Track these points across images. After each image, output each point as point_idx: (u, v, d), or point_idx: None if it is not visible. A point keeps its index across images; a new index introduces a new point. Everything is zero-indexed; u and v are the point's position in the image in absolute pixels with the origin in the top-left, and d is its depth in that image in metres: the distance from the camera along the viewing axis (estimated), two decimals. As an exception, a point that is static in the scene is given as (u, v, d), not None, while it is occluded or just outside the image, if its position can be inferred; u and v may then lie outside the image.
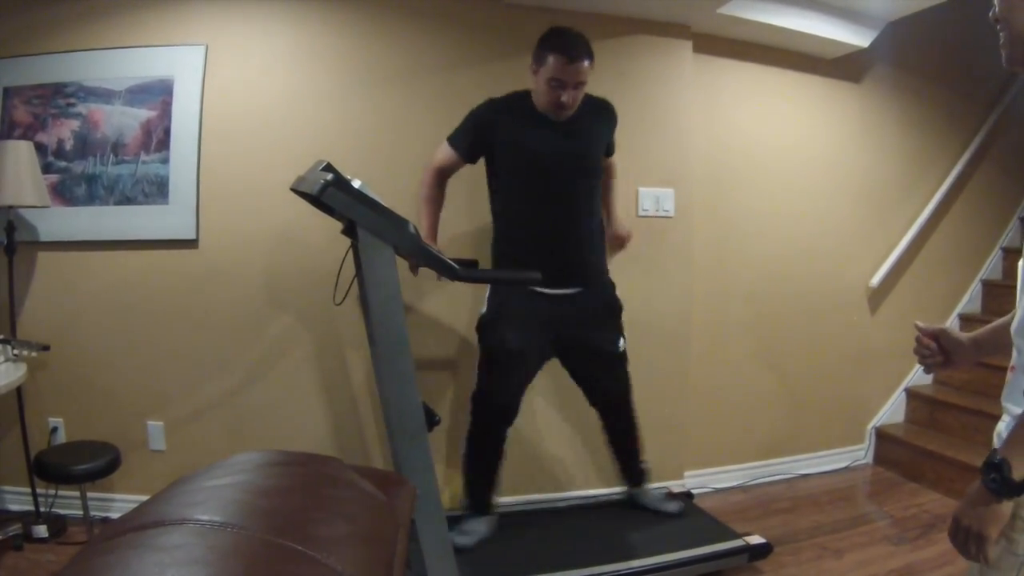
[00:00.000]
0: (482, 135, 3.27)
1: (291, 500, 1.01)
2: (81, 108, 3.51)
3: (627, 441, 3.71)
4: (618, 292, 3.52)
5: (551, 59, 3.08)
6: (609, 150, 3.61)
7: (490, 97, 3.32)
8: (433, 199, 3.33)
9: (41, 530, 3.42)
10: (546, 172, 3.25)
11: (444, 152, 3.30)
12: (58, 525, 3.50)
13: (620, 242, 3.95)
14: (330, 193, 2.34)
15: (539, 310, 3.28)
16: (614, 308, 3.54)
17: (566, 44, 3.08)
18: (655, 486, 3.93)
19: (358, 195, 2.39)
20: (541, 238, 3.26)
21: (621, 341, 3.53)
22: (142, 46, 3.54)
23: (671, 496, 3.82)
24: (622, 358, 3.57)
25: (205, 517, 0.89)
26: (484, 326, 3.36)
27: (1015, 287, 3.87)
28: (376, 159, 3.67)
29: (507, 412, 3.39)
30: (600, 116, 3.46)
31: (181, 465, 3.58)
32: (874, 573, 3.46)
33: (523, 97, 3.30)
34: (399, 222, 2.47)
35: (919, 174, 5.25)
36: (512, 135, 3.24)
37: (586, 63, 3.10)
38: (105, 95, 3.51)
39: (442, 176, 3.34)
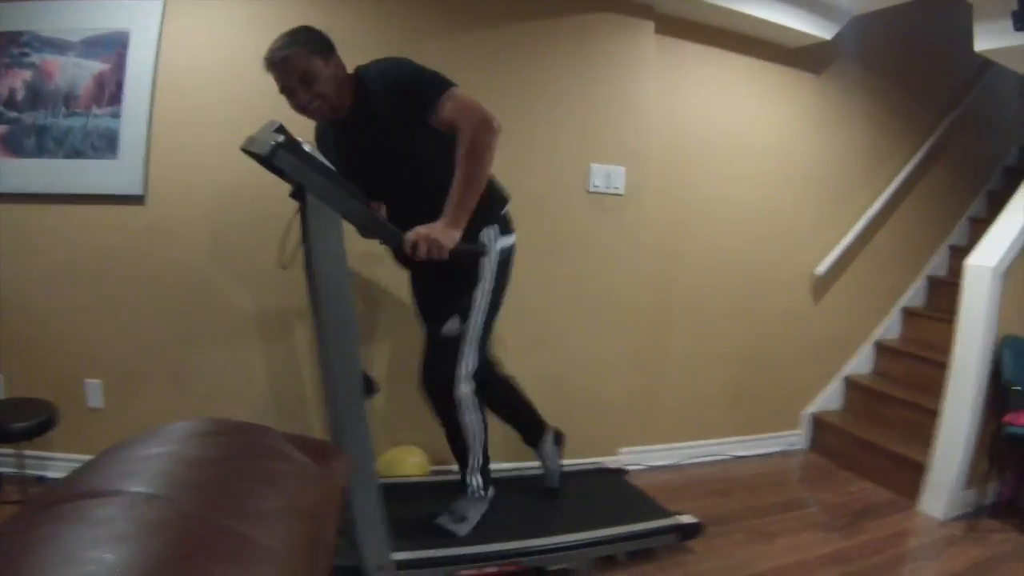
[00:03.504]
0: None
1: (222, 471, 1.02)
2: (35, 58, 3.43)
3: (454, 446, 3.32)
4: (567, 268, 3.49)
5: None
6: (424, 109, 2.75)
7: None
8: None
9: (-26, 488, 3.38)
10: (359, 171, 2.98)
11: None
12: (-7, 482, 3.47)
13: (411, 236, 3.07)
14: (280, 156, 2.30)
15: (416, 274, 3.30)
16: (455, 280, 3.10)
17: (266, 55, 2.74)
18: (588, 460, 4.05)
19: (309, 159, 2.37)
20: (398, 218, 2.92)
21: (452, 323, 3.07)
22: (99, -3, 3.48)
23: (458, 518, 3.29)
24: (445, 343, 3.10)
25: (137, 489, 0.89)
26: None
27: (960, 285, 4.01)
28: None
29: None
30: (381, 93, 2.82)
31: (119, 424, 3.60)
32: (804, 558, 3.53)
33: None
34: (348, 188, 2.46)
35: (872, 169, 5.34)
36: (327, 148, 3.05)
37: (288, 60, 2.69)
38: (60, 46, 3.43)
39: None
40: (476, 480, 3.31)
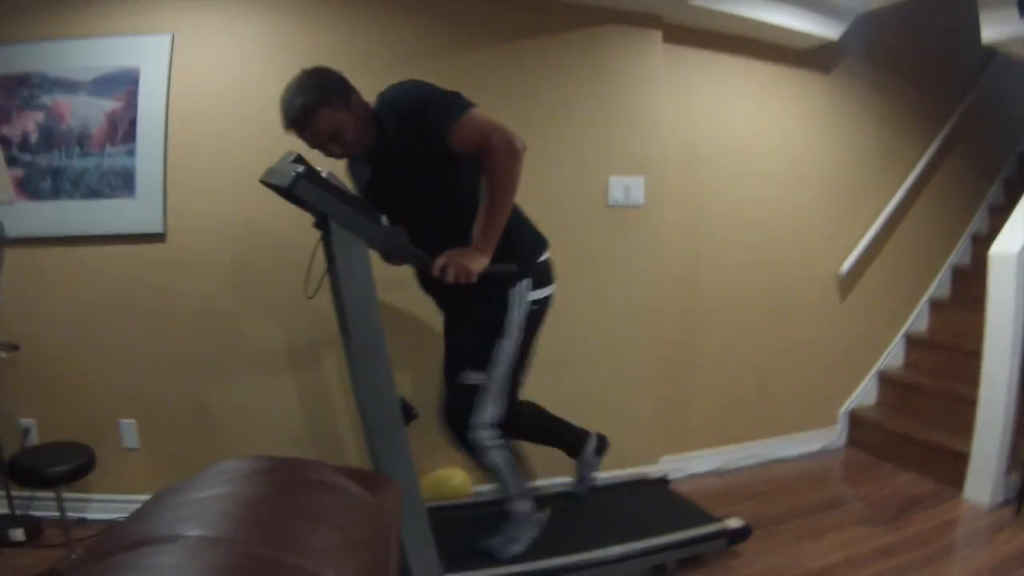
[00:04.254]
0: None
1: (281, 509, 0.99)
2: (46, 99, 3.44)
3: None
4: (590, 284, 3.46)
5: None
6: (444, 133, 2.67)
7: None
8: None
9: (18, 533, 3.36)
10: (385, 203, 2.88)
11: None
12: (34, 528, 3.44)
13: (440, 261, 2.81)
14: (301, 186, 2.28)
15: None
16: (478, 321, 3.01)
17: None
18: (630, 471, 4.02)
19: (329, 187, 2.34)
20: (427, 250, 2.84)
21: (471, 373, 2.96)
22: (108, 35, 3.46)
23: None
24: (464, 391, 2.99)
25: (196, 532, 0.87)
26: None
27: (984, 272, 3.97)
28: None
29: None
30: (401, 121, 2.76)
31: (156, 463, 3.60)
32: (854, 554, 3.48)
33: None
34: (371, 214, 2.44)
35: (888, 164, 5.30)
36: (360, 183, 3.10)
37: (308, 126, 2.63)
38: (70, 86, 3.44)
39: None
40: (518, 506, 3.19)
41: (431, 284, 2.76)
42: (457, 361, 2.98)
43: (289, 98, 2.62)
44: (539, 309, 3.01)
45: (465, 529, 3.28)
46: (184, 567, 0.80)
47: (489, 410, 2.97)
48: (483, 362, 2.93)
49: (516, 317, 2.92)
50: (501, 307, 2.90)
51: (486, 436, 2.98)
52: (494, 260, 2.67)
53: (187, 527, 0.89)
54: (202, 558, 0.82)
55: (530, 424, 3.38)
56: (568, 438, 3.54)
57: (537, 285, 2.96)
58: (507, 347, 2.93)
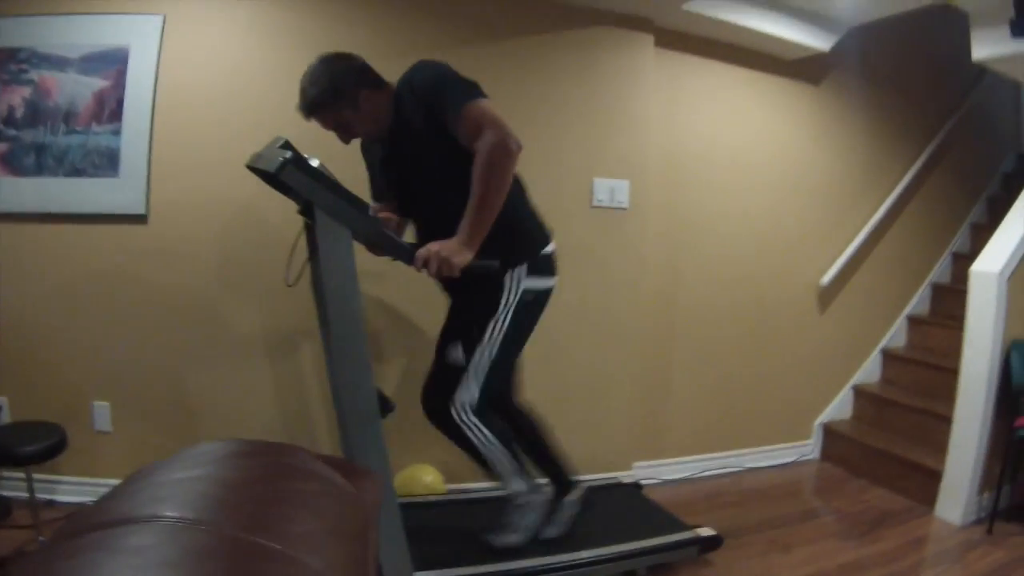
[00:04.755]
0: (370, 173, 3.21)
1: (260, 494, 0.97)
2: (33, 75, 3.40)
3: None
4: (570, 283, 3.43)
5: None
6: (447, 117, 2.68)
7: None
8: None
9: (-15, 513, 3.33)
10: (399, 189, 3.08)
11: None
12: (2, 508, 3.39)
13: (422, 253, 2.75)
14: (288, 172, 2.25)
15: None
16: (475, 312, 3.00)
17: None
18: (603, 475, 3.99)
19: (317, 175, 2.31)
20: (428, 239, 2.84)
21: (459, 351, 2.94)
22: (99, 13, 3.43)
23: None
24: (449, 369, 2.97)
25: (174, 514, 0.84)
26: None
27: (964, 290, 4.00)
28: (330, 141, 3.59)
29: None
30: (408, 97, 2.80)
31: (127, 447, 3.56)
32: (823, 568, 3.49)
33: None
34: (358, 204, 2.42)
35: (873, 178, 5.33)
36: (375, 165, 3.16)
37: (318, 113, 2.76)
38: (59, 62, 3.40)
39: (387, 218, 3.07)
40: (516, 485, 3.14)
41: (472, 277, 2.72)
42: (446, 337, 2.98)
43: (304, 86, 2.72)
44: (536, 300, 3.00)
45: (435, 525, 3.32)
46: (162, 548, 0.78)
47: (467, 392, 2.94)
48: (471, 343, 2.91)
49: (509, 300, 2.90)
50: (496, 288, 2.89)
51: (467, 417, 2.95)
52: (496, 248, 2.67)
53: (165, 508, 0.87)
54: (180, 540, 0.80)
55: (529, 433, 3.31)
56: (555, 471, 3.39)
57: (537, 274, 2.96)
58: (495, 330, 2.91)
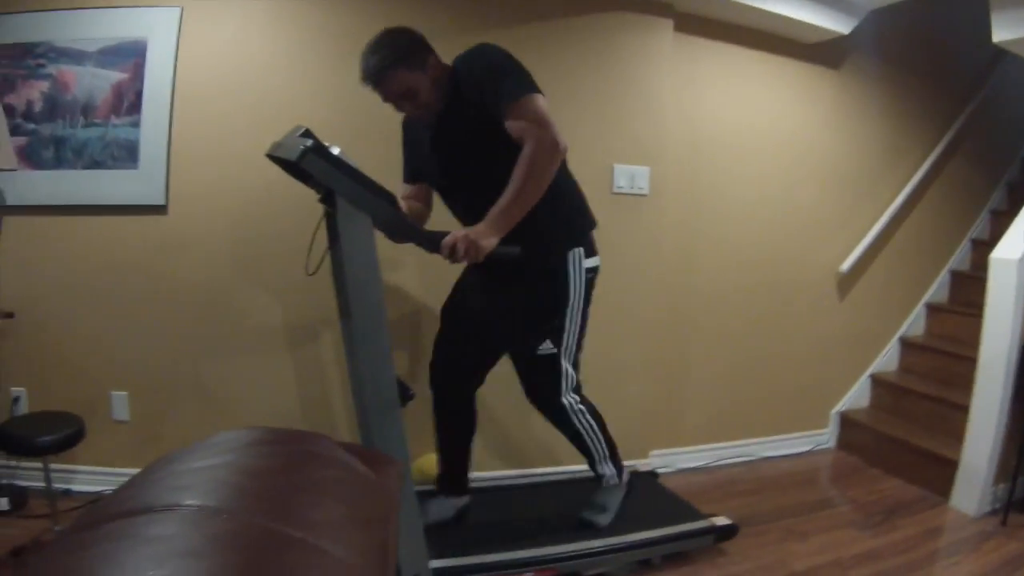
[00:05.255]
0: (405, 151, 3.19)
1: (282, 481, 0.97)
2: (51, 69, 3.42)
3: (575, 444, 3.33)
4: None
5: None
6: (500, 105, 2.67)
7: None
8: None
9: (2, 503, 3.36)
10: (443, 173, 3.04)
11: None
12: (19, 497, 3.44)
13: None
14: (309, 159, 2.26)
15: (470, 278, 3.20)
16: (535, 301, 3.03)
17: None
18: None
19: (338, 162, 2.32)
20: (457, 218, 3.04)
21: (546, 343, 3.03)
22: (116, 7, 3.43)
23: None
24: (541, 361, 3.08)
25: (196, 502, 0.85)
26: None
27: (983, 278, 3.97)
28: (351, 128, 3.60)
29: (432, 380, 3.28)
30: (464, 79, 2.79)
31: (145, 436, 3.58)
32: (839, 556, 3.49)
33: None
34: (380, 192, 2.42)
35: (892, 163, 5.29)
36: (415, 144, 3.12)
37: (384, 81, 2.71)
38: (76, 56, 3.42)
39: (410, 203, 3.10)
40: (607, 469, 3.37)
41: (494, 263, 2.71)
42: (524, 336, 3.05)
43: (365, 55, 2.70)
44: (592, 277, 3.09)
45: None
46: (183, 537, 0.78)
47: (569, 376, 3.13)
48: (557, 332, 3.02)
49: (577, 285, 2.99)
50: (562, 277, 2.96)
51: (575, 400, 3.18)
52: (558, 234, 2.91)
53: (186, 496, 0.87)
54: (203, 529, 0.80)
55: (591, 412, 3.34)
56: (608, 452, 3.41)
57: (588, 255, 3.03)
58: (574, 313, 3.02)
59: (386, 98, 2.77)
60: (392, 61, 2.66)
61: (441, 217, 3.10)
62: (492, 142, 2.71)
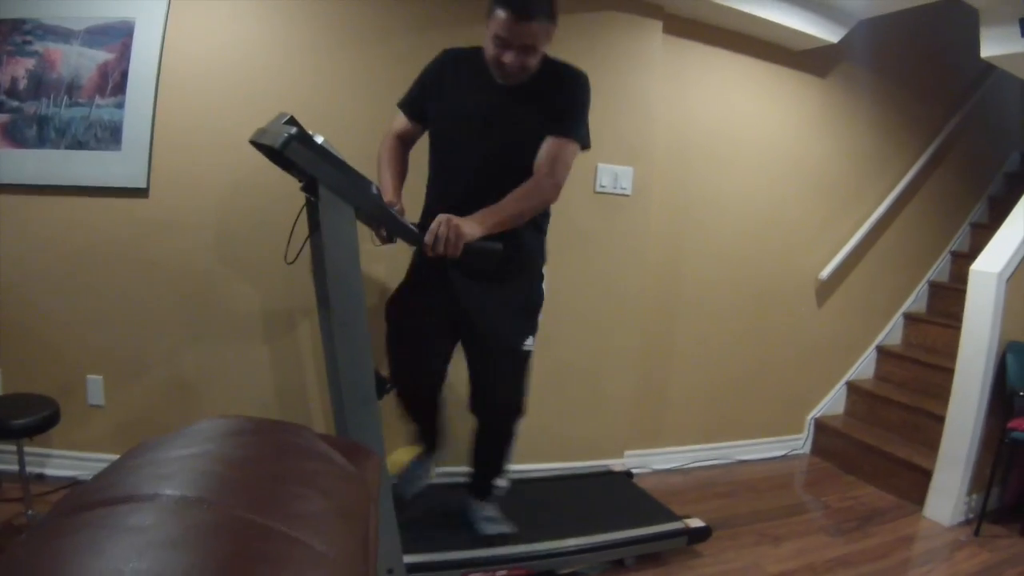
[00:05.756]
0: (426, 82, 2.99)
1: (263, 472, 0.96)
2: (38, 46, 3.37)
3: (483, 455, 3.33)
4: (570, 270, 3.46)
5: (498, 12, 2.61)
6: (554, 128, 2.82)
7: (446, 48, 3.02)
8: (386, 162, 2.92)
9: (-26, 486, 3.32)
10: (470, 136, 2.88)
11: (397, 115, 3.01)
12: (-9, 480, 3.40)
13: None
14: (293, 147, 2.22)
15: (442, 282, 2.99)
16: (529, 301, 3.11)
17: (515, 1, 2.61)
18: (595, 463, 4.03)
19: (321, 151, 2.30)
20: (444, 204, 2.77)
21: (529, 339, 3.06)
22: (105, -14, 3.41)
23: (501, 520, 3.33)
24: (524, 358, 3.09)
25: (177, 492, 0.84)
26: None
27: (962, 290, 4.00)
28: (336, 116, 3.58)
29: (404, 395, 3.22)
30: (561, 83, 2.89)
31: (120, 421, 3.55)
32: (811, 562, 3.52)
33: (479, 52, 2.84)
34: (362, 181, 2.40)
35: (875, 172, 5.33)
36: (450, 85, 2.93)
37: (535, 24, 2.61)
38: (64, 34, 3.38)
39: (398, 140, 3.00)
40: (501, 482, 3.34)
41: (472, 257, 2.66)
42: (519, 330, 3.05)
43: None
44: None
45: (425, 508, 3.34)
46: (164, 527, 0.77)
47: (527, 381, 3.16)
48: (532, 331, 3.07)
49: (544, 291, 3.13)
50: (540, 280, 3.11)
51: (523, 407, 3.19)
52: (539, 246, 3.05)
53: (165, 485, 0.85)
54: (183, 519, 0.79)
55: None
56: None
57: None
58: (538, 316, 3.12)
59: (516, 38, 2.63)
60: (550, 13, 2.66)
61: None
62: (532, 150, 2.79)
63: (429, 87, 2.98)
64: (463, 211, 2.58)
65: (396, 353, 3.14)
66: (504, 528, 3.23)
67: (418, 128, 3.03)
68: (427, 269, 2.97)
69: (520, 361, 3.07)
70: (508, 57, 2.67)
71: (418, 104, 3.00)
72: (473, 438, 3.28)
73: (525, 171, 2.76)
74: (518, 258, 2.87)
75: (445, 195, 2.90)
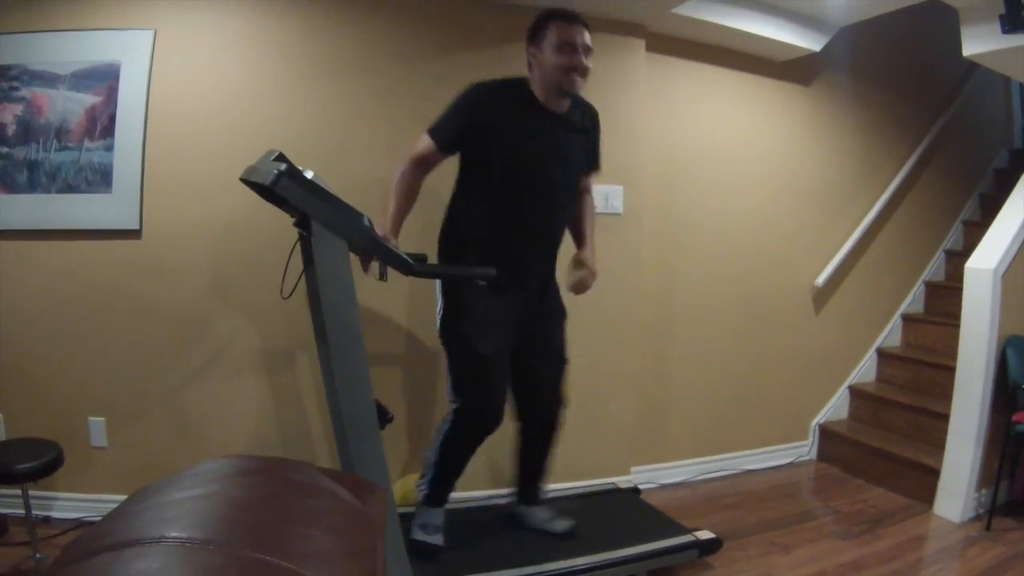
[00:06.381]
0: (474, 122, 2.96)
1: (270, 512, 0.96)
2: (25, 92, 3.39)
3: (544, 458, 3.49)
4: (564, 292, 3.48)
5: (553, 25, 2.93)
6: (594, 161, 3.36)
7: (476, 82, 3.03)
8: (399, 195, 2.90)
9: (-19, 530, 3.31)
10: (542, 169, 3.01)
11: (424, 143, 2.94)
12: (-1, 525, 3.40)
13: (584, 272, 3.28)
14: (284, 184, 2.24)
15: (508, 308, 3.09)
16: (564, 312, 3.37)
17: (564, 10, 2.98)
18: (601, 481, 4.04)
19: (312, 186, 2.31)
20: (520, 237, 3.05)
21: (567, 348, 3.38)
22: (89, 29, 3.42)
23: (561, 515, 3.48)
24: (566, 366, 3.39)
25: (183, 534, 0.83)
26: (453, 329, 3.12)
27: (958, 288, 4.01)
28: (324, 151, 3.59)
29: (495, 423, 3.14)
30: (592, 119, 3.30)
31: (124, 462, 3.55)
32: (823, 568, 3.49)
33: (520, 84, 3.04)
34: (353, 215, 2.41)
35: (865, 177, 5.34)
36: (511, 124, 2.97)
37: (586, 30, 2.98)
38: (50, 79, 3.39)
39: (417, 168, 2.97)
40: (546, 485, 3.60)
41: (534, 272, 3.16)
42: (560, 342, 3.37)
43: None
44: None
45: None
46: (170, 571, 0.77)
47: None
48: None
49: None
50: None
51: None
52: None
53: (172, 528, 0.86)
54: (189, 562, 0.79)
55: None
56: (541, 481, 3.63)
57: None
58: None
59: (581, 39, 2.98)
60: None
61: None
62: (580, 177, 3.31)
63: (480, 128, 2.98)
64: (550, 240, 3.19)
65: (494, 382, 3.15)
66: (570, 522, 3.41)
67: (444, 159, 3.06)
68: (492, 296, 3.04)
69: (566, 367, 3.39)
70: (580, 59, 2.94)
71: (462, 142, 3.02)
72: (522, 449, 3.46)
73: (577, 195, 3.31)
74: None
75: (530, 229, 3.12)
